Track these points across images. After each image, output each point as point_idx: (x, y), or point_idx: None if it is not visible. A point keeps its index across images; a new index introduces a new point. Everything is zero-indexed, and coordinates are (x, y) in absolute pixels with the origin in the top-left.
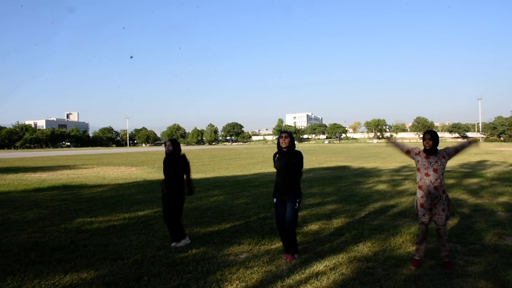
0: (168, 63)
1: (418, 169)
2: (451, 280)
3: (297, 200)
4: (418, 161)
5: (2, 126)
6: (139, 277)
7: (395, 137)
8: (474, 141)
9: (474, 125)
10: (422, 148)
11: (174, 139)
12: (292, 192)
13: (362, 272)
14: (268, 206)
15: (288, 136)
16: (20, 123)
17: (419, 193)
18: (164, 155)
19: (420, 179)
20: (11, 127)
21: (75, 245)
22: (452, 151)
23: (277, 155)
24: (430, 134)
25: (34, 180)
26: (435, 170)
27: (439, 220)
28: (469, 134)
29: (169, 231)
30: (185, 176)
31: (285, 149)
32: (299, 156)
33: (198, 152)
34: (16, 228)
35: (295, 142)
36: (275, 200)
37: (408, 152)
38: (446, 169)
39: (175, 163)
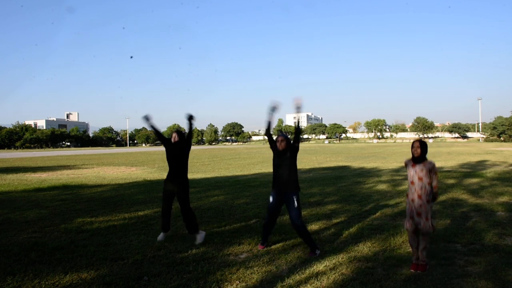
0: (168, 63)
1: (408, 178)
2: (451, 280)
3: (295, 197)
4: (407, 170)
5: (2, 126)
6: (139, 277)
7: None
8: None
9: (474, 125)
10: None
11: (180, 131)
12: (291, 185)
13: (362, 272)
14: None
15: (284, 140)
16: (20, 123)
17: (406, 200)
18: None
19: (408, 187)
20: (11, 127)
21: (75, 245)
22: (434, 176)
23: (274, 152)
24: (419, 142)
25: (34, 180)
26: (420, 179)
27: (423, 228)
28: (469, 134)
29: (162, 222)
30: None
31: (281, 150)
32: (289, 146)
33: (198, 152)
34: (16, 228)
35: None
36: (271, 198)
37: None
38: (446, 169)
39: (180, 148)
